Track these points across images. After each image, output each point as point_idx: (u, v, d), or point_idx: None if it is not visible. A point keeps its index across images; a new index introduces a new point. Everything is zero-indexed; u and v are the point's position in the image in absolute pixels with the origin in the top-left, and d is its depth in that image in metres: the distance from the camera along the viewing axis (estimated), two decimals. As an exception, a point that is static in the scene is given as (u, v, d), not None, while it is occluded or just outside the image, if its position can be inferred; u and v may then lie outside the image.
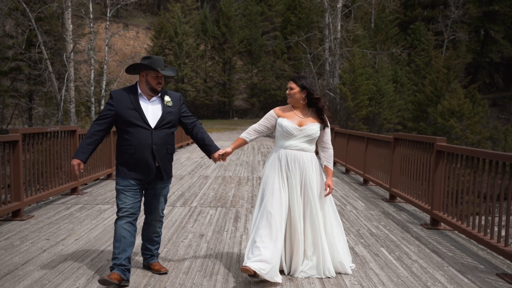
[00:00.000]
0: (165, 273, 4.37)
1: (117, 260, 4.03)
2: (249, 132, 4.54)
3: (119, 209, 4.12)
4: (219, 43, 50.36)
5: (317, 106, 4.37)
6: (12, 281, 4.12)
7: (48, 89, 24.13)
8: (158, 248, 4.52)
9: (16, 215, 6.41)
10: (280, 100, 43.16)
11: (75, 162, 4.06)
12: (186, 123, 4.41)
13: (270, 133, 4.63)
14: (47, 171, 7.38)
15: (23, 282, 4.10)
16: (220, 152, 4.41)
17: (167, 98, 4.24)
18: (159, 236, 4.49)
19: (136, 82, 4.29)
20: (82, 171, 4.13)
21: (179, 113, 4.33)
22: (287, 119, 4.36)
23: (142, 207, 4.36)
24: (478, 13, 45.43)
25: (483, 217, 5.28)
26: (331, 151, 4.52)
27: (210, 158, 4.47)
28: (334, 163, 14.15)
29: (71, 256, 4.85)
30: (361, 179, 10.63)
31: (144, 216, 4.44)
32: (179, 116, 4.33)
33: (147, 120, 4.09)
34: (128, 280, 4.06)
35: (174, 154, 4.35)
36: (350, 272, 4.41)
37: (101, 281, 3.88)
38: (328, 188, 4.36)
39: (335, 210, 4.49)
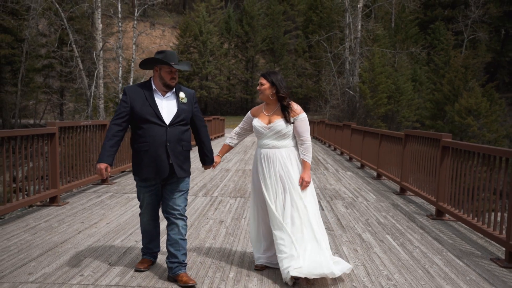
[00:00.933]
0: (193, 286, 4.01)
1: (148, 249, 4.39)
2: (232, 137, 4.68)
3: (140, 206, 4.27)
4: (242, 41, 51.14)
5: (282, 103, 4.29)
6: (53, 256, 4.66)
7: (78, 86, 24.92)
8: (185, 255, 4.13)
9: (53, 201, 7.03)
10: (301, 98, 43.57)
11: (102, 166, 3.94)
12: (194, 124, 4.27)
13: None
14: (80, 162, 7.99)
15: (63, 257, 4.62)
16: (210, 167, 4.51)
17: (182, 95, 4.08)
18: (185, 240, 4.13)
19: (150, 77, 4.16)
20: (109, 174, 4.08)
21: (192, 110, 4.16)
22: (257, 119, 4.37)
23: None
24: (499, 13, 45.22)
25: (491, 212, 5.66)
26: (307, 143, 4.32)
27: (202, 165, 4.51)
28: (351, 159, 14.55)
29: (103, 237, 5.38)
30: (375, 173, 11.03)
31: (165, 220, 4.25)
32: (191, 114, 4.17)
33: (161, 117, 3.95)
34: (156, 261, 4.50)
35: (191, 150, 4.27)
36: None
37: (137, 271, 4.27)
38: (302, 181, 4.23)
39: (317, 213, 4.32)
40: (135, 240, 5.25)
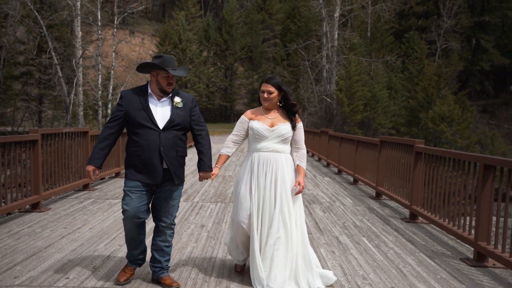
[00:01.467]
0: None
1: (131, 256, 4.16)
2: (228, 146, 4.35)
3: (123, 211, 3.97)
4: (221, 49, 51.43)
5: (292, 110, 4.26)
6: (38, 261, 4.73)
7: (57, 93, 24.68)
8: (168, 261, 4.22)
9: (35, 207, 7.08)
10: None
11: (90, 168, 3.94)
12: (193, 129, 4.12)
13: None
14: (61, 169, 8.04)
15: (47, 262, 4.70)
16: (207, 175, 4.18)
17: (177, 99, 3.98)
18: (170, 246, 4.20)
19: (147, 81, 4.08)
20: (97, 176, 3.99)
21: (190, 115, 4.06)
22: (258, 121, 4.19)
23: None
24: (470, 23, 47.07)
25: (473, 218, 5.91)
26: (303, 151, 4.34)
27: (199, 171, 4.20)
28: (328, 164, 14.81)
29: (87, 241, 5.47)
30: (352, 179, 11.30)
31: (154, 224, 4.20)
32: (189, 119, 4.06)
33: (155, 121, 3.87)
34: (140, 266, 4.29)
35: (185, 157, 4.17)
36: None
37: (122, 282, 4.10)
38: (298, 186, 4.15)
39: (303, 221, 4.29)
40: (119, 244, 5.35)
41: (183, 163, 4.10)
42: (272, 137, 4.15)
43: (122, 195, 4.08)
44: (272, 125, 4.17)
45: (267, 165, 4.12)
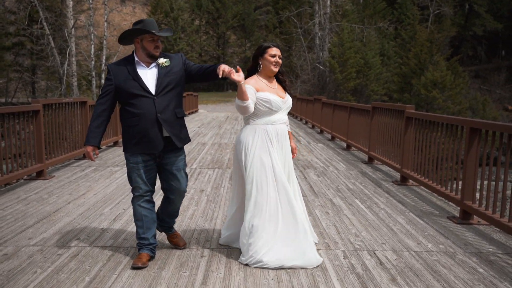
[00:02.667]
0: (184, 247, 4.28)
1: (145, 240, 3.93)
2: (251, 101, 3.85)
3: (133, 188, 3.90)
4: (213, 18, 51.10)
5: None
6: (48, 224, 5.00)
7: (51, 64, 24.58)
8: (174, 221, 4.34)
9: (39, 175, 7.33)
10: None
11: (89, 149, 3.85)
12: (192, 70, 3.91)
13: None
14: (63, 138, 8.26)
15: (58, 224, 4.97)
16: (227, 66, 3.69)
17: (161, 60, 3.79)
18: (178, 211, 4.26)
19: (133, 51, 3.90)
20: (97, 155, 3.96)
21: (183, 69, 3.90)
22: (270, 93, 3.94)
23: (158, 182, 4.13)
24: (462, -12, 46.63)
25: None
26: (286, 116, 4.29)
27: (216, 73, 3.69)
28: (322, 131, 15.13)
29: (93, 206, 5.73)
30: (345, 145, 11.58)
31: (163, 194, 4.15)
32: (182, 73, 3.89)
33: (147, 88, 3.73)
34: (154, 256, 4.03)
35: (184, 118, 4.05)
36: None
37: (135, 268, 3.78)
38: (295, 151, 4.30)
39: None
40: (123, 208, 5.62)
41: (183, 124, 4.00)
42: (284, 109, 4.04)
43: (123, 160, 4.15)
44: (280, 96, 4.01)
45: (283, 138, 4.03)
